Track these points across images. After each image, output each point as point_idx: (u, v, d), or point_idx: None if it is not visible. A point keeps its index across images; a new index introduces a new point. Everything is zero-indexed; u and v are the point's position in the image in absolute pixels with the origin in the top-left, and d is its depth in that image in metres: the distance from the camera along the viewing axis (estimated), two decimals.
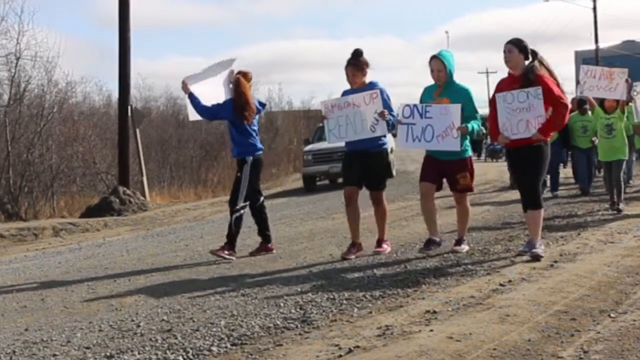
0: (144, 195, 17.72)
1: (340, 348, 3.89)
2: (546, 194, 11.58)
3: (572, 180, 14.32)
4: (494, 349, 3.72)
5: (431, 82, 6.90)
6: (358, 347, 3.89)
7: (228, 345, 4.14)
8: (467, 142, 6.89)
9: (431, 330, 4.10)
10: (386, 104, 6.91)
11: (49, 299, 6.13)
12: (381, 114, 6.80)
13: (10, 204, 17.29)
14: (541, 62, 6.37)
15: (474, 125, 6.68)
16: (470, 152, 7.00)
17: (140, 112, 20.05)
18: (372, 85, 7.04)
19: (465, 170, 6.84)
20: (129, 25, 17.20)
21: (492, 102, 6.45)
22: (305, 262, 6.95)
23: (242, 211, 7.61)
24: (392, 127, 6.90)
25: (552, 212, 9.85)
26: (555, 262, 6.10)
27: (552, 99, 6.22)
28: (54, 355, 4.20)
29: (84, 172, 21.01)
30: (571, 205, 10.63)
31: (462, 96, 6.74)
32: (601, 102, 9.82)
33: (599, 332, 3.98)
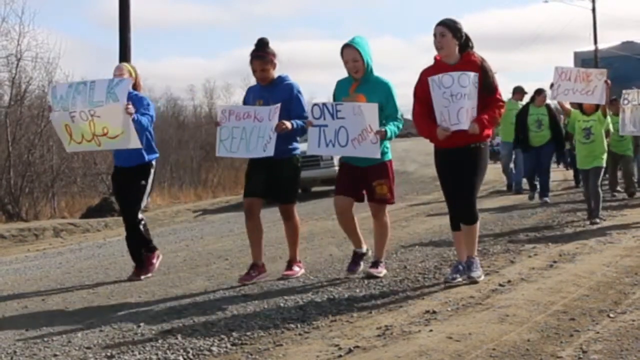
0: None
1: (340, 348, 3.90)
2: (535, 199, 11.38)
3: (573, 183, 14.31)
4: (494, 349, 3.73)
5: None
6: (358, 347, 3.90)
7: (228, 345, 4.15)
8: (387, 144, 5.94)
9: (431, 331, 4.11)
10: (298, 102, 6.02)
11: (49, 299, 6.14)
12: (277, 127, 5.78)
13: (11, 204, 17.29)
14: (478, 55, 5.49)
15: (394, 128, 5.77)
16: (390, 155, 6.02)
17: None
18: (281, 80, 6.07)
19: (383, 177, 5.86)
20: (129, 26, 17.19)
21: (419, 92, 5.46)
22: (305, 262, 6.96)
23: (143, 221, 6.86)
24: (301, 133, 6.00)
25: (552, 212, 9.86)
26: (555, 262, 6.11)
27: (492, 94, 5.41)
28: (55, 355, 4.21)
29: (85, 173, 21.00)
30: (569, 205, 10.63)
31: (382, 92, 5.78)
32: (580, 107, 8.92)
33: (598, 332, 3.99)
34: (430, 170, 23.88)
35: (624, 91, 8.82)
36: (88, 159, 20.98)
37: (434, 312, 4.55)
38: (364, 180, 5.87)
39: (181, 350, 4.08)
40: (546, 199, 11.19)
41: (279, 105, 5.85)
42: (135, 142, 6.25)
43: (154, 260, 6.85)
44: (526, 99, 12.90)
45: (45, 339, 4.61)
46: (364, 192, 5.93)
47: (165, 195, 22.47)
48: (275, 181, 6.04)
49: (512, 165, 13.60)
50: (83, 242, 11.76)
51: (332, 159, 15.60)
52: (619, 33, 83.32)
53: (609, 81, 8.38)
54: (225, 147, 6.09)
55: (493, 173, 19.59)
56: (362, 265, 6.01)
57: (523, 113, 11.83)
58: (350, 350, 3.85)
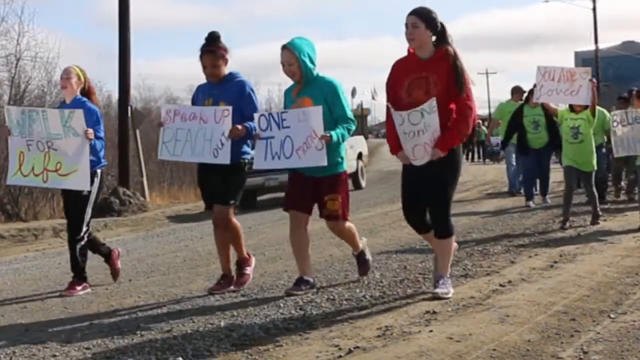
0: (144, 195, 17.71)
1: (340, 348, 3.89)
2: (535, 202, 10.93)
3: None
4: (494, 350, 3.72)
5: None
6: (358, 347, 3.89)
7: (228, 345, 4.14)
8: (342, 152, 5.46)
9: (431, 331, 4.11)
10: (250, 101, 5.60)
11: (49, 299, 6.13)
12: (231, 133, 5.42)
13: (10, 204, 17.28)
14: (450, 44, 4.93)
15: (343, 132, 5.30)
16: (345, 166, 5.49)
17: (141, 113, 20.04)
18: (233, 77, 5.66)
19: (335, 190, 5.39)
20: (129, 26, 17.19)
21: (389, 88, 5.05)
22: None
23: (87, 238, 6.31)
24: (250, 133, 5.51)
25: (552, 212, 9.85)
26: (555, 262, 6.10)
27: (459, 100, 4.85)
28: (54, 355, 4.20)
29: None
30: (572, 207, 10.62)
31: (327, 93, 5.36)
32: (571, 107, 8.58)
33: (598, 333, 3.98)
34: None
35: (612, 113, 8.45)
36: None
37: (434, 312, 4.55)
38: (316, 193, 5.41)
39: (181, 351, 4.07)
40: (546, 199, 11.01)
41: (229, 108, 5.45)
42: (85, 184, 5.95)
43: (79, 288, 6.22)
44: None
45: (45, 339, 4.60)
46: (316, 205, 5.48)
47: (165, 195, 22.46)
48: (221, 184, 5.63)
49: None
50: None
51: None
52: (619, 33, 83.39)
53: (594, 80, 8.15)
54: (168, 149, 5.70)
55: (493, 173, 19.62)
56: (303, 289, 5.40)
57: (517, 114, 11.26)
58: (350, 351, 3.84)
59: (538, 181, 11.45)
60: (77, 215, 6.25)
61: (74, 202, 6.25)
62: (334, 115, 5.36)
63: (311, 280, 5.48)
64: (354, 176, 16.80)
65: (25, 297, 6.39)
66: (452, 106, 4.85)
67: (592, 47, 40.02)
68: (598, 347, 3.73)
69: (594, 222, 8.40)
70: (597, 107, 10.68)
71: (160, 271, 7.27)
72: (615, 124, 8.03)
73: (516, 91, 12.68)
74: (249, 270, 5.87)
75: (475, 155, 29.03)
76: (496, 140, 22.43)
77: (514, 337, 3.92)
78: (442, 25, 4.90)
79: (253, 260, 5.97)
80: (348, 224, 5.54)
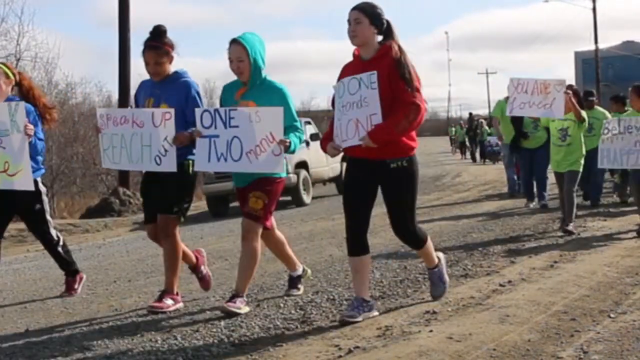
0: None
1: (340, 348, 3.89)
2: (534, 204, 10.70)
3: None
4: (494, 350, 3.72)
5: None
6: (358, 347, 3.89)
7: (228, 345, 4.14)
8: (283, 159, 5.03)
9: (431, 331, 4.11)
10: (195, 105, 5.08)
11: (49, 299, 6.13)
12: (175, 140, 4.96)
13: None
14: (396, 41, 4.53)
15: (297, 140, 4.93)
16: (283, 174, 5.06)
17: None
18: (178, 76, 5.20)
19: (263, 190, 4.92)
20: (129, 26, 17.21)
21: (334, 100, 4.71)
22: (305, 263, 6.94)
23: (61, 237, 6.34)
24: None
25: (552, 212, 9.85)
26: (555, 262, 6.10)
27: (405, 95, 4.38)
28: (54, 355, 4.20)
29: (84, 173, 21.02)
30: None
31: (275, 99, 4.90)
32: None
33: (598, 333, 3.98)
34: (430, 170, 23.91)
35: (604, 121, 7.90)
36: (87, 160, 20.99)
37: (434, 312, 4.55)
38: (248, 191, 4.98)
39: (181, 351, 4.07)
40: (544, 202, 10.56)
41: (171, 111, 4.99)
42: (29, 183, 5.53)
43: (76, 285, 6.25)
44: None
45: (45, 339, 4.60)
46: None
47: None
48: (162, 190, 5.12)
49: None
50: (82, 242, 11.75)
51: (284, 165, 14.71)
52: (619, 33, 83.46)
53: (569, 92, 7.66)
54: (109, 157, 5.26)
55: (493, 173, 19.61)
56: (301, 286, 5.41)
57: None
58: (350, 351, 3.84)
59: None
60: (41, 230, 6.18)
61: (33, 221, 6.19)
62: (284, 124, 4.88)
63: (300, 272, 5.47)
64: (295, 189, 14.43)
65: (25, 297, 6.39)
66: (394, 103, 4.43)
67: (592, 47, 40.02)
68: (598, 346, 3.73)
69: (566, 228, 7.72)
70: (600, 109, 10.67)
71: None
72: (606, 131, 7.50)
73: None
74: (169, 301, 5.10)
75: (477, 156, 28.94)
76: (495, 140, 22.41)
77: (514, 337, 3.92)
78: (388, 23, 4.54)
79: (180, 301, 5.23)
80: (259, 248, 5.02)
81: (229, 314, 4.76)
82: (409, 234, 4.66)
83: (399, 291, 5.30)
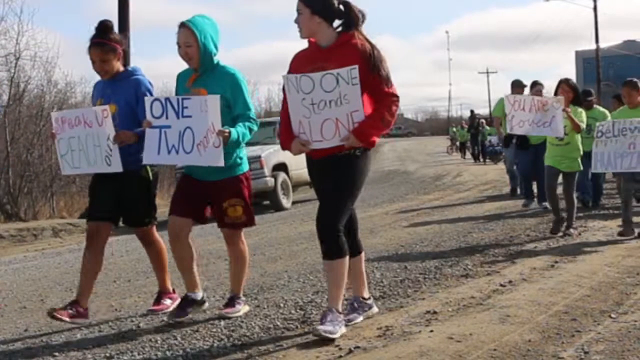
0: None
1: (340, 349, 3.88)
2: (534, 205, 10.49)
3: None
4: (495, 350, 3.71)
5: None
6: (358, 347, 3.88)
7: (228, 345, 4.13)
8: (241, 152, 4.75)
9: (431, 331, 4.10)
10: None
11: (48, 299, 6.12)
12: (116, 138, 4.72)
13: (10, 204, 17.28)
14: (360, 30, 4.16)
15: (244, 130, 4.54)
16: (246, 167, 4.81)
17: None
18: (129, 74, 4.95)
19: (237, 195, 4.71)
20: (129, 26, 17.17)
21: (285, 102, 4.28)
22: (305, 263, 6.94)
23: None
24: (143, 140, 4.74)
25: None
26: (556, 262, 6.09)
27: (378, 90, 4.10)
28: (53, 355, 4.19)
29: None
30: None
31: (228, 85, 4.60)
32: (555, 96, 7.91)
33: (599, 333, 3.97)
34: (430, 170, 23.93)
35: (597, 124, 7.67)
36: None
37: (435, 312, 4.54)
38: (212, 199, 4.72)
39: (181, 351, 4.07)
40: (545, 203, 10.03)
41: (106, 107, 4.78)
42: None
43: None
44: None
45: (44, 339, 4.59)
46: (211, 213, 4.81)
47: (165, 195, 22.45)
48: (123, 200, 4.89)
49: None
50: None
51: (261, 167, 13.51)
52: (620, 32, 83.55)
53: (568, 109, 7.45)
54: (68, 162, 5.00)
55: (493, 173, 19.62)
56: (191, 313, 4.78)
57: None
58: (350, 351, 3.83)
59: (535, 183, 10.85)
60: None
61: None
62: (234, 112, 4.60)
63: (199, 297, 4.83)
64: (273, 193, 13.94)
65: (24, 297, 6.38)
66: (367, 98, 4.11)
67: (592, 47, 40.01)
68: (599, 347, 3.72)
69: (567, 231, 7.65)
70: (599, 108, 10.58)
71: None
72: (599, 134, 7.33)
73: (516, 85, 11.98)
74: (168, 302, 5.09)
75: (480, 156, 28.87)
76: (494, 138, 22.36)
77: (515, 337, 3.91)
78: (347, 7, 4.13)
79: (177, 298, 5.13)
80: (246, 247, 4.88)
81: (224, 318, 4.72)
82: (329, 228, 4.08)
83: (399, 291, 5.30)
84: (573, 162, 7.76)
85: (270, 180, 13.72)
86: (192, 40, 4.58)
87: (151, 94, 4.86)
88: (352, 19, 4.13)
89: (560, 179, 7.85)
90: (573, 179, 7.83)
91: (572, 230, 7.67)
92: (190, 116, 4.49)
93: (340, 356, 3.78)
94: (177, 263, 4.79)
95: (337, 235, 4.11)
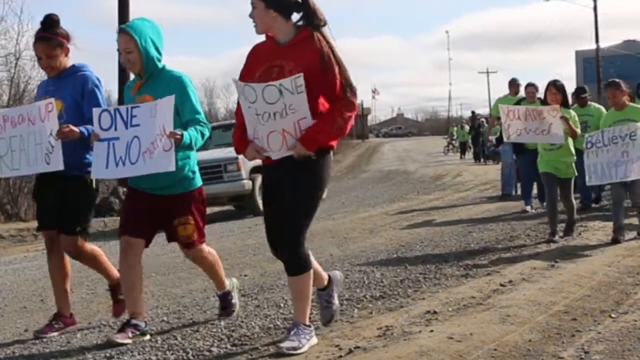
0: None
1: (340, 348, 3.88)
2: (532, 209, 10.17)
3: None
4: (495, 349, 3.71)
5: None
6: (358, 347, 3.88)
7: (228, 345, 4.13)
8: (193, 165, 4.47)
9: (431, 331, 4.09)
10: (94, 99, 4.60)
11: (48, 299, 6.12)
12: (59, 133, 4.42)
13: (10, 204, 17.29)
14: (320, 30, 3.87)
15: (197, 135, 4.25)
16: (199, 182, 4.51)
17: None
18: (75, 70, 4.70)
19: (187, 212, 4.42)
20: None
21: (243, 77, 4.04)
22: None
23: None
24: (87, 138, 4.46)
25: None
26: (556, 262, 6.09)
27: (330, 93, 3.81)
28: (53, 355, 4.20)
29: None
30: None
31: (174, 89, 4.31)
32: (543, 100, 7.77)
33: (599, 333, 3.97)
34: (430, 170, 23.92)
35: (586, 135, 7.40)
36: None
37: (435, 312, 4.54)
38: (162, 216, 4.42)
39: (181, 351, 4.06)
40: (545, 204, 9.78)
41: (51, 100, 4.50)
42: None
43: None
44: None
45: (44, 340, 4.59)
46: (163, 230, 4.53)
47: None
48: (61, 204, 4.62)
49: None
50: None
51: (239, 169, 12.66)
52: (620, 32, 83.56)
53: (566, 116, 7.21)
54: (7, 164, 4.69)
55: (494, 173, 19.59)
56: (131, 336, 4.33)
57: None
58: (350, 351, 3.83)
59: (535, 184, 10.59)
60: None
61: None
62: (184, 118, 4.33)
63: (142, 325, 4.39)
64: (250, 196, 12.93)
65: (24, 297, 6.38)
66: (322, 100, 3.85)
67: (592, 46, 40.02)
68: (599, 346, 3.72)
69: (567, 234, 7.48)
70: (594, 105, 10.40)
71: (160, 271, 7.26)
72: (589, 145, 7.07)
73: (512, 84, 11.75)
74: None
75: (480, 157, 28.83)
76: (493, 139, 22.29)
77: (515, 337, 3.90)
78: (307, 4, 3.86)
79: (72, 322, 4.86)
80: (208, 249, 4.66)
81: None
82: (292, 245, 3.85)
83: (399, 291, 5.29)
84: (568, 169, 7.48)
85: (247, 183, 12.97)
86: (132, 46, 4.34)
87: (99, 90, 4.65)
88: (312, 14, 3.85)
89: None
90: (570, 184, 7.54)
91: (572, 235, 7.45)
92: (138, 125, 4.27)
93: (340, 356, 3.77)
94: (123, 285, 4.53)
95: (301, 252, 3.86)
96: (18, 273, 8.17)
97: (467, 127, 33.30)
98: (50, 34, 4.63)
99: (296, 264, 3.89)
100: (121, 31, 4.38)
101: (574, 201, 7.60)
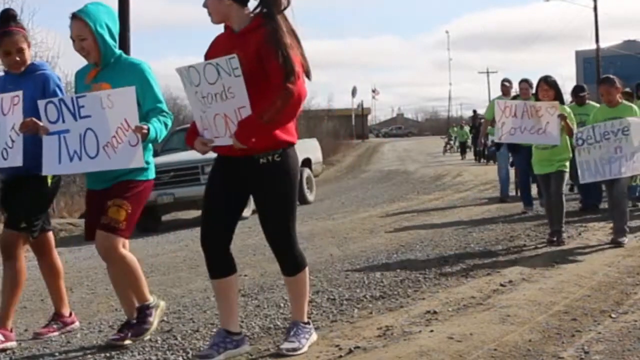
0: None
1: (340, 349, 3.88)
2: (534, 208, 9.97)
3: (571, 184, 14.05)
4: (495, 350, 3.71)
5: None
6: (358, 347, 3.88)
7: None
8: (148, 156, 4.24)
9: (431, 331, 4.10)
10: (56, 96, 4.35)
11: (48, 299, 6.10)
12: (22, 126, 4.17)
13: None
14: (274, 17, 3.63)
15: (160, 126, 4.07)
16: (150, 175, 4.30)
17: None
18: (35, 68, 4.49)
19: (125, 197, 4.14)
20: (129, 25, 17.17)
21: None
22: None
23: None
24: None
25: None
26: (556, 262, 6.09)
27: (269, 81, 3.57)
28: (53, 355, 4.20)
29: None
30: (568, 204, 10.59)
31: (134, 78, 4.12)
32: (535, 96, 7.47)
33: (599, 333, 3.97)
34: (430, 170, 23.91)
35: (576, 131, 7.03)
36: None
37: (435, 312, 4.54)
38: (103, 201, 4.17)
39: (181, 351, 4.06)
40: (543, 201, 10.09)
41: (19, 93, 4.25)
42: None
43: None
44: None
45: (44, 340, 4.59)
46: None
47: None
48: (17, 200, 4.43)
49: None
50: (82, 242, 11.73)
51: None
52: (620, 32, 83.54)
53: (565, 114, 6.89)
54: None
55: (494, 173, 19.55)
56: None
57: None
58: (350, 351, 3.83)
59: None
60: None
61: None
62: (145, 107, 4.12)
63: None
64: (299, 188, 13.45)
65: (24, 297, 6.37)
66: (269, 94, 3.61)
67: (593, 46, 40.02)
68: (599, 347, 3.72)
69: (555, 237, 7.04)
70: (593, 103, 10.22)
71: (160, 271, 7.26)
72: (580, 141, 6.85)
73: (502, 85, 11.44)
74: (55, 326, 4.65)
75: (480, 157, 28.80)
76: (490, 139, 22.19)
77: (515, 337, 3.91)
78: None
79: (12, 339, 4.52)
80: (128, 254, 4.34)
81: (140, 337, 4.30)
82: (287, 249, 3.84)
83: (399, 291, 5.29)
84: (561, 163, 7.12)
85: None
86: (85, 33, 4.10)
87: (61, 91, 4.46)
88: (272, 3, 3.65)
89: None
90: (562, 179, 7.14)
91: (563, 240, 7.02)
92: (89, 116, 4.04)
93: (340, 356, 3.77)
94: (116, 289, 4.50)
95: (296, 251, 3.87)
96: None
97: (467, 127, 33.31)
98: (14, 28, 4.44)
99: (293, 264, 3.90)
100: (74, 17, 4.13)
101: (564, 199, 7.21)
